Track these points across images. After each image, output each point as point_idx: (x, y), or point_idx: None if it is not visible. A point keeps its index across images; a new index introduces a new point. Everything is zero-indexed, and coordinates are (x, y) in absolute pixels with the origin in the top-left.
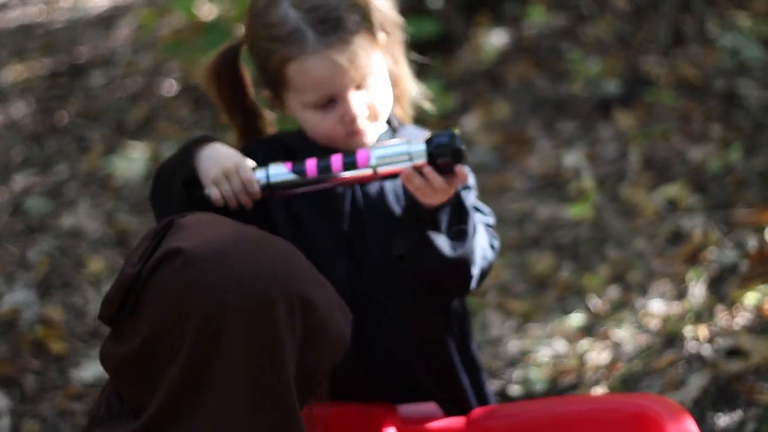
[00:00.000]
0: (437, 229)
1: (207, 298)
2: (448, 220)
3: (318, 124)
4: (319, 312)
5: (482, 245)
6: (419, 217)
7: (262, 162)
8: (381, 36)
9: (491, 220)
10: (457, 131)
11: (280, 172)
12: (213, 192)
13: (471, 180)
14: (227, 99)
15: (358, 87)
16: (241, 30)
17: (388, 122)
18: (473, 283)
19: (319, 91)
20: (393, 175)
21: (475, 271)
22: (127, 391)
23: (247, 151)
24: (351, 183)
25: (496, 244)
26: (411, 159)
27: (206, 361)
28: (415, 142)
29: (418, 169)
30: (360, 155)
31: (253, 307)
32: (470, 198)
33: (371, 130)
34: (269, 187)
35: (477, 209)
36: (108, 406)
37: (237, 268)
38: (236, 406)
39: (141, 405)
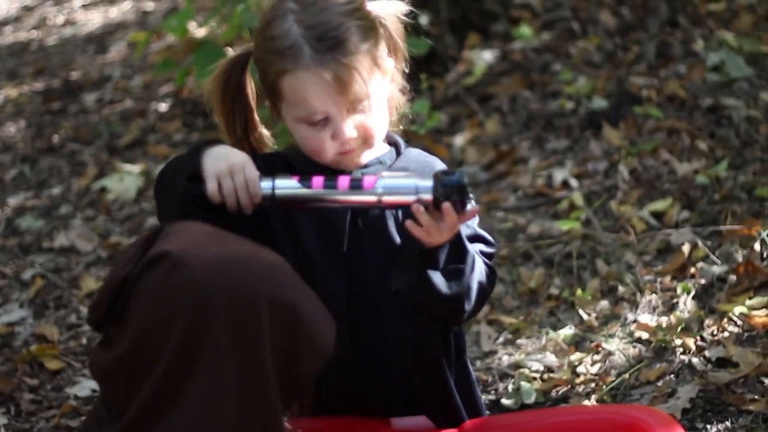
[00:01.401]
0: (436, 266)
1: (195, 297)
2: (447, 258)
3: (309, 138)
4: (304, 319)
5: (480, 280)
6: (420, 254)
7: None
8: (388, 62)
9: (492, 249)
10: (463, 171)
11: (286, 183)
12: (211, 185)
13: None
14: (229, 109)
15: (352, 109)
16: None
17: (394, 144)
18: (465, 317)
19: (308, 108)
20: (396, 207)
21: (469, 306)
22: (114, 399)
23: None
24: (353, 206)
25: (494, 277)
26: (417, 193)
27: (191, 361)
28: (424, 178)
29: (427, 206)
30: (367, 180)
31: (238, 309)
32: (473, 226)
33: (362, 153)
34: (272, 197)
35: (479, 238)
36: (97, 416)
37: (224, 271)
38: (221, 406)
39: (126, 410)
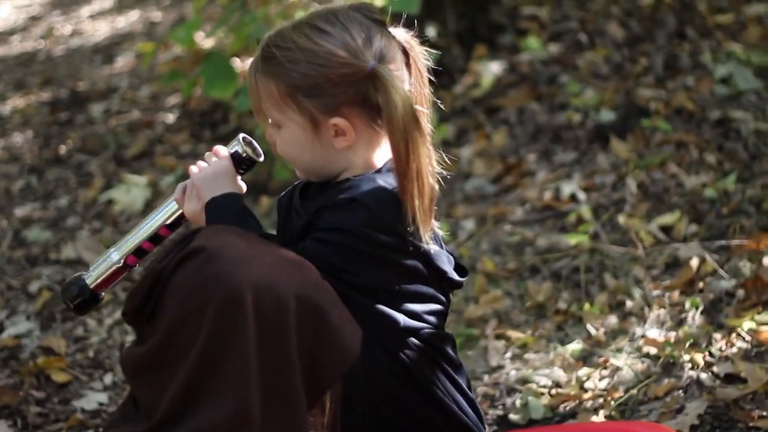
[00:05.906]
0: None
1: (226, 288)
2: None
3: None
4: (330, 321)
5: None
6: None
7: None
8: (306, 102)
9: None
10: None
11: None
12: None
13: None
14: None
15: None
16: None
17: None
18: None
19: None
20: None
21: None
22: (143, 393)
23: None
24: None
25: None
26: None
27: (221, 352)
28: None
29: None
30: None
31: (267, 302)
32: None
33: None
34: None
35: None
36: (123, 411)
37: (256, 266)
38: (249, 399)
39: (155, 405)
